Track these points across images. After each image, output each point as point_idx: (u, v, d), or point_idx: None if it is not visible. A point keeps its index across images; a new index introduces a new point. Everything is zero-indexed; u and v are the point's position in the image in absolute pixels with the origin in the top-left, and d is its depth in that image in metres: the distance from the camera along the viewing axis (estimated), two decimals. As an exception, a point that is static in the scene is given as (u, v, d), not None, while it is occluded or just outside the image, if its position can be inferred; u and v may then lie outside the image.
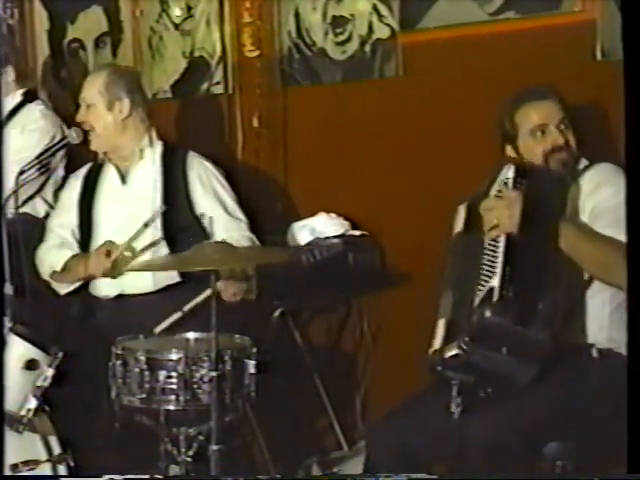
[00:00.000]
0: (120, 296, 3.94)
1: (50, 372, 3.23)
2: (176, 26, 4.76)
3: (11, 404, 3.15)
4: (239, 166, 4.52)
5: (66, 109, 4.47)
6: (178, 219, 3.95)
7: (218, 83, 4.65)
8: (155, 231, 3.94)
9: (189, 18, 4.71)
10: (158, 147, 4.05)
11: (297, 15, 4.39)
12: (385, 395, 3.88)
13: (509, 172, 3.14)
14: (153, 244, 3.90)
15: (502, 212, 3.03)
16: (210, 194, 3.99)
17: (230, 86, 4.62)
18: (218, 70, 4.64)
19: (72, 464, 3.27)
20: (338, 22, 4.29)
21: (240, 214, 4.02)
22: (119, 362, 3.26)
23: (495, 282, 2.94)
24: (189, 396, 3.19)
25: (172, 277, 3.89)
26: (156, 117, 4.12)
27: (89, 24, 5.05)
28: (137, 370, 3.21)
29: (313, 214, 4.25)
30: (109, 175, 4.07)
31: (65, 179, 4.33)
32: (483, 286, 2.98)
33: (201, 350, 3.21)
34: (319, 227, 4.20)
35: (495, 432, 2.90)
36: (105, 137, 4.00)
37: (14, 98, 4.48)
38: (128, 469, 3.10)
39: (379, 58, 4.19)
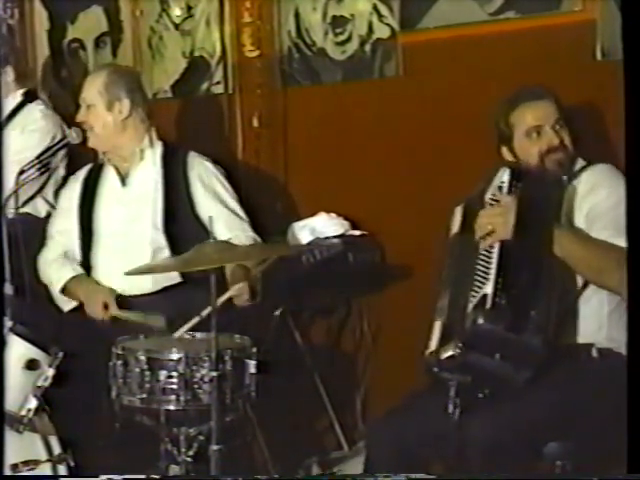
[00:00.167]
0: (120, 296, 3.95)
1: (50, 372, 3.23)
2: (176, 26, 4.76)
3: (11, 404, 3.15)
4: (239, 166, 4.52)
5: (66, 109, 4.47)
6: (179, 220, 3.95)
7: (218, 83, 4.65)
8: (156, 232, 3.94)
9: (189, 18, 4.71)
10: (158, 148, 4.05)
11: (297, 15, 4.39)
12: (385, 395, 3.88)
13: (504, 175, 3.14)
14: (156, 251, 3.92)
15: (497, 219, 3.03)
16: (211, 194, 4.00)
17: (230, 86, 4.62)
18: (218, 70, 4.63)
19: (72, 464, 3.27)
20: (338, 22, 4.29)
21: (242, 213, 4.02)
22: (119, 362, 3.26)
23: (488, 289, 2.95)
24: (189, 396, 3.19)
25: (172, 277, 3.89)
26: (156, 117, 4.13)
27: (89, 24, 5.05)
28: (137, 370, 3.21)
29: (313, 214, 4.25)
30: (109, 177, 4.07)
31: (66, 179, 4.33)
32: (477, 292, 2.98)
33: (201, 350, 3.21)
34: (319, 227, 4.20)
35: (495, 432, 2.90)
36: (105, 137, 4.00)
37: (14, 98, 4.48)
38: (128, 469, 3.10)
39: (379, 58, 4.19)
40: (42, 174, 4.19)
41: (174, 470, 3.34)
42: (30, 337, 3.29)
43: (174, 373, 3.19)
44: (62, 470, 3.25)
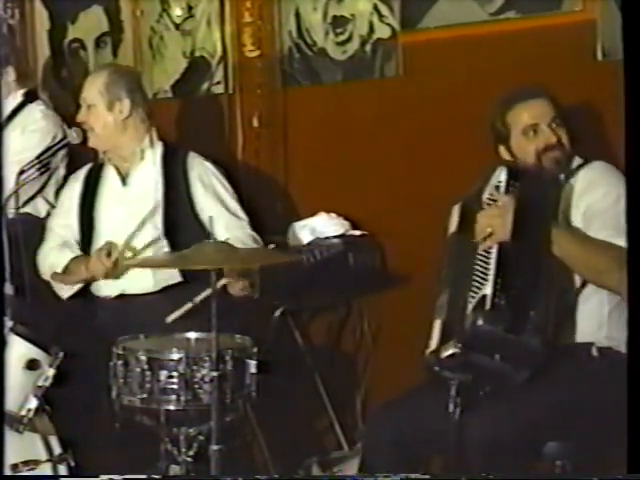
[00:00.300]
0: (121, 296, 3.94)
1: (51, 372, 3.23)
2: (177, 26, 4.76)
3: (12, 404, 3.15)
4: (239, 166, 4.53)
5: (67, 109, 4.47)
6: (179, 219, 3.95)
7: (218, 83, 4.65)
8: (156, 230, 3.94)
9: (190, 18, 4.72)
10: (158, 148, 4.05)
11: (298, 15, 4.39)
12: (385, 395, 3.87)
13: (501, 175, 3.14)
14: (154, 242, 3.90)
15: (495, 221, 3.03)
16: (211, 194, 4.00)
17: (230, 86, 4.62)
18: (218, 70, 4.64)
19: (72, 464, 3.27)
20: (339, 22, 4.29)
21: (242, 213, 4.02)
22: (120, 362, 3.26)
23: (487, 290, 2.95)
24: (190, 396, 3.19)
25: (173, 277, 3.89)
26: (156, 117, 4.13)
27: (90, 24, 5.05)
28: (138, 370, 3.21)
29: (313, 214, 4.25)
30: (109, 177, 4.07)
31: (66, 179, 4.33)
32: (476, 292, 2.98)
33: (202, 350, 3.21)
34: (319, 227, 4.20)
35: (494, 432, 2.90)
36: (105, 137, 4.01)
37: (15, 98, 4.48)
38: (128, 469, 3.10)
39: (379, 58, 4.19)
40: (42, 174, 4.19)
41: (174, 470, 3.34)
42: (30, 337, 3.29)
43: (174, 373, 3.19)
44: (62, 470, 3.26)
